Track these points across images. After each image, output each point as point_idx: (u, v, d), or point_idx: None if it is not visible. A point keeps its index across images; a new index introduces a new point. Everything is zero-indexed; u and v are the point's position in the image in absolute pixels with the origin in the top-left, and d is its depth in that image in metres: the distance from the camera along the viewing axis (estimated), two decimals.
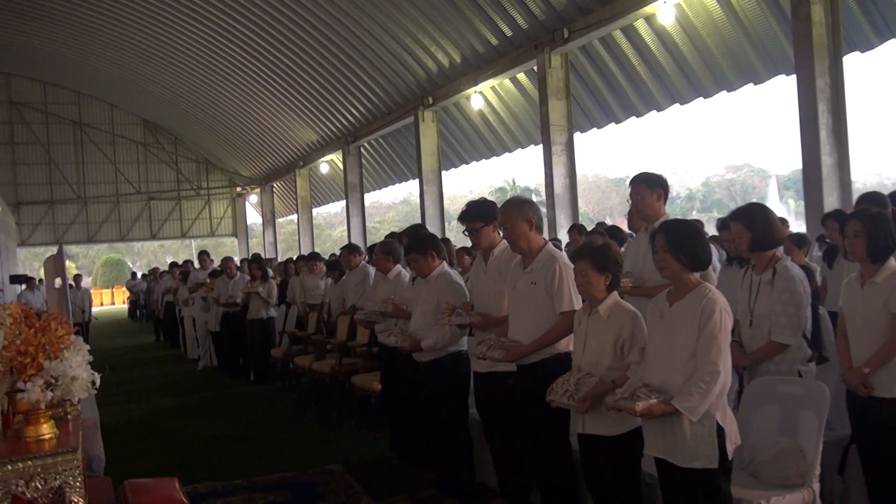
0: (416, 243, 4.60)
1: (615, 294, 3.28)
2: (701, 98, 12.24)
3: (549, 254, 3.71)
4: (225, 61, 19.50)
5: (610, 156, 74.78)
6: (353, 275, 8.03)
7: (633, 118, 13.58)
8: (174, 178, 28.95)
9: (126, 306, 29.34)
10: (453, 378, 4.48)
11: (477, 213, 4.17)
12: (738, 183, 58.83)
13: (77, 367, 2.50)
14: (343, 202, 26.01)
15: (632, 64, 12.44)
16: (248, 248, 30.58)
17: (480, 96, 15.07)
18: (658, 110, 13.05)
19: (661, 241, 2.90)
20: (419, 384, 4.66)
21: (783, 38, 10.24)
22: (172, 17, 17.84)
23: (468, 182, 63.02)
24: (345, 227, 59.28)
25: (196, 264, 12.86)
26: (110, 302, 38.14)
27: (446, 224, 17.37)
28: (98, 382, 2.55)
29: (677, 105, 12.70)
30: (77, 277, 16.53)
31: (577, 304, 3.58)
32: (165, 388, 10.07)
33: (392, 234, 7.05)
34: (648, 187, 4.05)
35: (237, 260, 12.15)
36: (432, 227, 16.54)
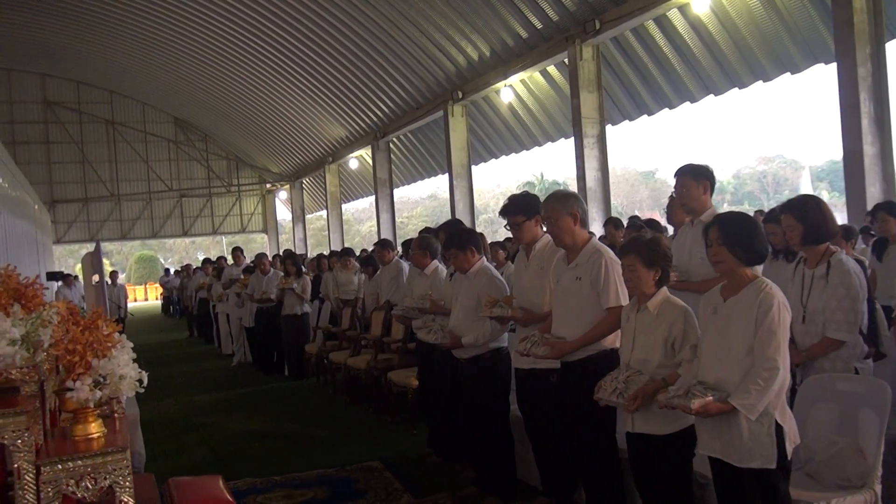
0: (456, 239, 4.54)
1: (665, 289, 3.19)
2: (736, 88, 12.05)
3: (595, 248, 3.64)
4: (254, 58, 19.60)
5: (638, 149, 74.06)
6: (386, 270, 8.00)
7: (666, 110, 13.40)
8: (205, 176, 29.23)
9: (159, 302, 29.69)
10: (494, 374, 4.42)
11: (519, 207, 4.10)
12: (770, 174, 57.97)
13: (125, 365, 2.49)
14: (371, 198, 26.13)
15: (665, 55, 12.27)
16: (279, 245, 30.80)
17: (510, 90, 14.98)
18: (692, 101, 12.87)
19: (715, 234, 2.81)
20: (459, 381, 4.61)
21: (822, 25, 10.02)
22: (203, 16, 17.96)
23: (495, 177, 62.88)
24: (372, 223, 59.55)
25: (229, 260, 12.94)
26: (143, 298, 38.65)
27: (476, 219, 17.29)
28: (145, 381, 2.53)
29: (711, 96, 12.52)
30: (113, 274, 16.75)
31: (624, 299, 3.50)
32: (201, 383, 10.13)
33: (427, 230, 6.99)
34: (694, 179, 3.95)
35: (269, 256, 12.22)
36: (463, 222, 16.48)
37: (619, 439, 3.57)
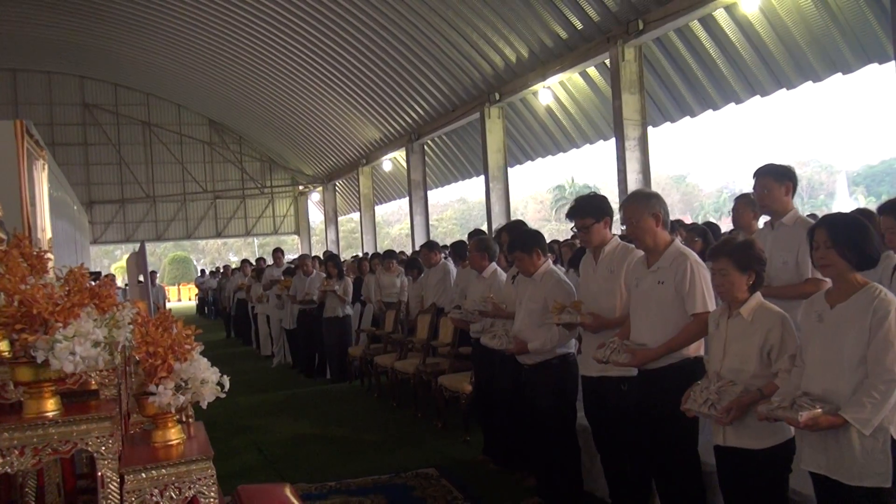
0: (521, 240, 4.39)
1: (758, 295, 3.02)
2: (784, 89, 11.79)
3: (678, 251, 3.47)
4: (289, 60, 19.65)
5: (668, 153, 73.33)
6: (433, 272, 7.90)
7: (710, 111, 13.17)
8: (239, 177, 29.41)
9: (194, 303, 29.91)
10: (561, 381, 4.27)
11: (588, 210, 3.96)
12: (805, 178, 56.97)
13: (205, 368, 2.40)
14: (401, 200, 26.11)
15: (710, 55, 12.05)
16: (310, 246, 30.89)
17: (549, 91, 14.81)
18: (737, 103, 12.64)
19: (823, 236, 2.65)
20: (523, 387, 4.47)
21: (877, 24, 9.74)
22: (238, 19, 18.05)
23: (526, 181, 62.59)
24: (402, 225, 59.70)
25: (268, 261, 12.93)
26: (177, 298, 39.00)
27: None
28: (227, 385, 2.44)
29: (757, 97, 12.29)
30: (152, 274, 16.83)
31: (711, 304, 3.34)
32: (243, 385, 10.09)
33: (476, 231, 6.88)
34: (776, 180, 3.79)
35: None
36: (498, 225, 16.36)
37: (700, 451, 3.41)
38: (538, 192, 63.64)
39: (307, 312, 10.17)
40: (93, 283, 2.76)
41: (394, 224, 59.60)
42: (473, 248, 5.44)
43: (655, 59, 12.72)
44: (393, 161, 22.53)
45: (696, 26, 11.71)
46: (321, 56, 18.63)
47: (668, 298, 3.42)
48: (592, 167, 77.13)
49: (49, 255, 3.04)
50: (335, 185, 27.71)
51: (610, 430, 3.93)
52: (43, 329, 2.15)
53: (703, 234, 5.51)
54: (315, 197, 29.89)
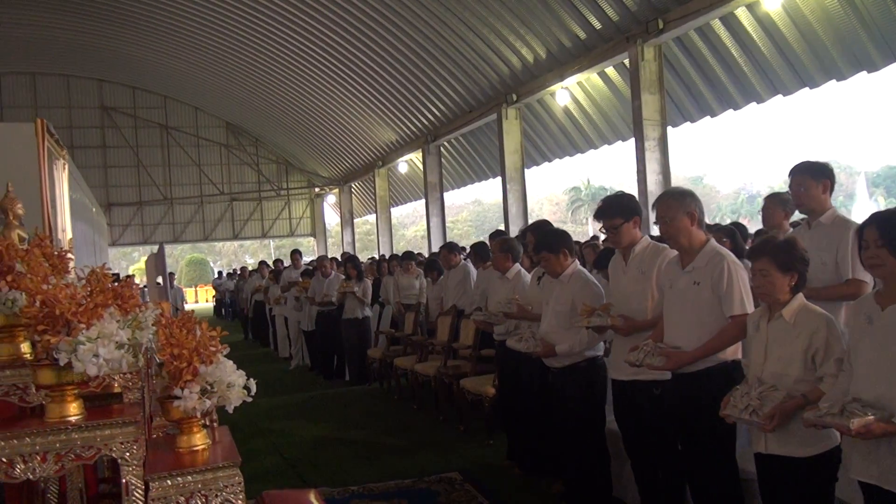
0: (548, 241, 4.29)
1: (801, 296, 2.90)
2: (807, 88, 11.61)
3: (715, 251, 3.35)
4: (305, 62, 19.66)
5: (685, 154, 72.81)
6: (453, 274, 7.81)
7: (731, 111, 13.02)
8: (255, 180, 29.47)
9: (211, 304, 29.96)
10: (589, 385, 4.17)
11: (617, 210, 3.85)
12: None
13: (231, 371, 2.32)
14: (417, 202, 26.05)
15: (731, 54, 11.89)
16: (327, 248, 30.88)
17: (566, 92, 14.70)
18: (758, 102, 12.47)
19: (873, 235, 2.53)
20: (550, 391, 4.36)
21: None
22: (255, 21, 18.07)
23: (541, 182, 62.33)
24: (417, 227, 59.60)
25: (286, 262, 12.88)
26: (194, 300, 39.13)
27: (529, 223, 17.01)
28: (254, 389, 2.36)
29: (779, 96, 12.12)
30: (170, 276, 16.83)
31: (750, 306, 3.22)
32: (261, 387, 9.84)
33: (498, 232, 6.78)
34: (813, 178, 3.67)
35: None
36: (516, 227, 16.26)
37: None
38: (554, 193, 63.44)
39: (326, 314, 10.10)
40: (115, 284, 2.70)
41: (409, 226, 59.62)
42: (497, 249, 5.33)
43: (675, 58, 12.59)
44: (409, 163, 22.48)
45: (717, 25, 11.56)
46: (337, 58, 18.61)
47: (704, 300, 3.30)
48: (608, 168, 76.79)
49: (70, 255, 2.98)
50: (351, 186, 27.71)
51: (641, 436, 3.81)
52: (66, 330, 2.08)
53: (731, 235, 5.37)
54: (331, 199, 29.90)
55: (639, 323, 3.75)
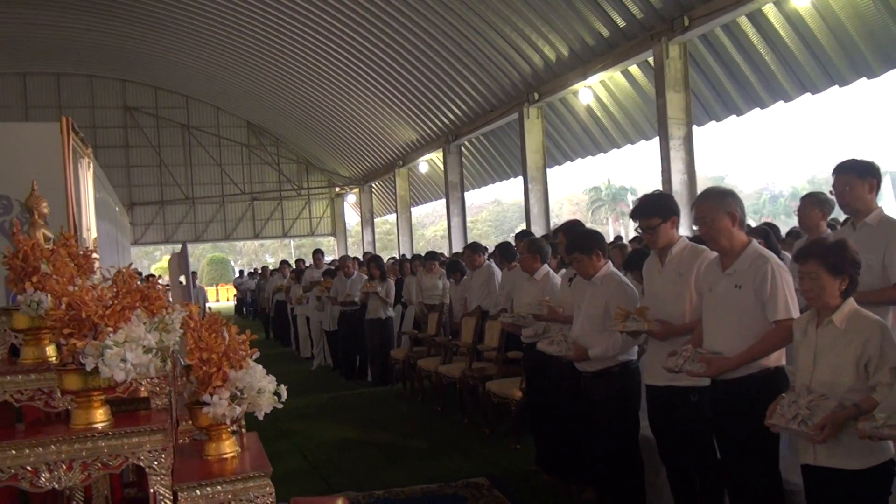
0: (580, 241, 4.17)
1: (852, 301, 2.77)
2: (836, 86, 11.38)
3: (757, 252, 3.22)
4: (326, 62, 19.64)
5: (706, 153, 72.10)
6: (477, 274, 7.70)
7: (757, 109, 12.81)
8: (276, 179, 29.53)
9: (232, 303, 30.06)
10: (623, 390, 4.05)
11: (654, 209, 3.72)
12: None
13: (261, 377, 2.24)
14: (436, 201, 25.97)
15: (758, 51, 11.69)
16: (347, 248, 30.89)
17: (589, 91, 14.54)
18: (786, 101, 12.26)
19: None
20: (582, 395, 4.25)
21: None
22: (275, 20, 18.08)
23: (561, 182, 62.05)
24: (437, 226, 59.55)
25: (308, 262, 12.83)
26: (215, 299, 39.32)
27: (551, 223, 16.87)
28: (284, 395, 2.28)
29: (808, 94, 11.90)
30: (193, 275, 16.85)
31: (795, 311, 3.09)
32: None
33: (525, 233, 6.67)
34: (859, 177, 3.53)
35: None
36: (537, 226, 16.15)
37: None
38: (574, 193, 63.10)
39: (349, 314, 10.03)
40: (141, 284, 2.62)
41: (428, 226, 59.58)
42: (525, 250, 5.22)
43: (700, 55, 12.40)
44: (429, 162, 22.40)
45: (745, 22, 11.37)
46: (358, 57, 18.57)
47: (747, 304, 3.16)
48: (628, 168, 76.25)
49: (95, 255, 2.91)
50: (371, 186, 27.69)
51: (678, 443, 3.69)
52: (92, 334, 2.01)
53: (764, 235, 5.21)
54: (351, 198, 29.91)
55: (676, 327, 3.62)
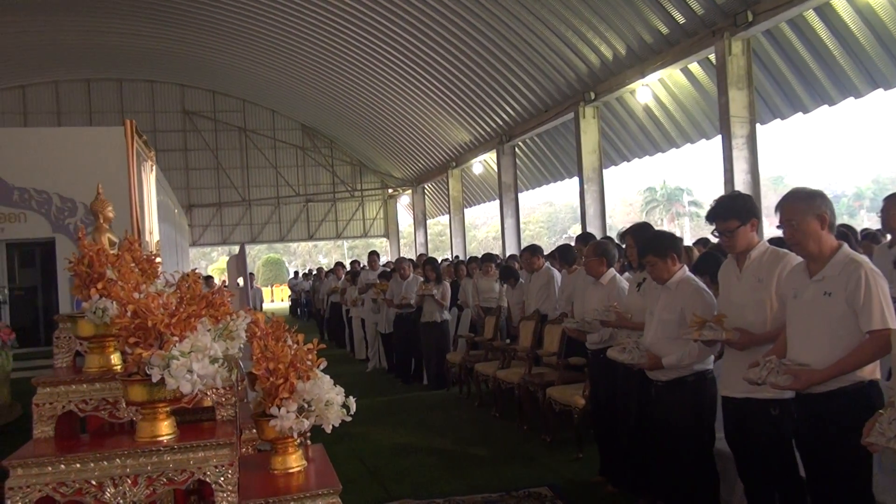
0: (654, 244, 3.98)
1: None
2: None
3: (849, 257, 2.99)
4: (379, 63, 19.68)
5: (763, 153, 70.14)
6: (536, 277, 7.54)
7: (826, 107, 12.35)
8: (330, 181, 29.79)
9: (286, 304, 30.40)
10: (698, 401, 3.84)
11: (732, 211, 3.51)
12: None
13: (329, 388, 2.15)
14: (490, 203, 25.82)
15: (826, 47, 11.26)
16: (399, 249, 30.97)
17: (647, 89, 14.23)
18: (856, 97, 11.79)
19: None
20: (653, 405, 4.06)
21: None
22: (328, 23, 18.19)
23: (614, 183, 61.12)
24: (489, 228, 59.32)
25: (362, 263, 12.82)
26: (270, 300, 39.86)
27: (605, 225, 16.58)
28: (353, 408, 2.19)
29: (881, 90, 11.42)
30: (251, 276, 17.08)
31: (892, 320, 2.86)
32: None
33: (585, 235, 6.49)
34: None
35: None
36: (593, 228, 15.88)
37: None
38: (627, 194, 62.18)
39: (404, 317, 9.95)
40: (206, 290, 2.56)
41: (480, 227, 59.42)
42: (590, 253, 5.03)
43: (764, 51, 12.01)
44: (483, 163, 22.27)
45: (812, 16, 10.96)
46: (410, 58, 18.56)
47: (838, 312, 2.94)
48: (683, 169, 74.84)
49: (158, 260, 2.87)
50: (424, 187, 27.69)
51: (757, 458, 3.48)
52: (158, 343, 1.94)
53: (843, 237, 4.94)
54: (404, 200, 29.98)
55: (756, 336, 3.41)
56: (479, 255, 10.98)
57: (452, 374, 9.08)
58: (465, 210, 25.29)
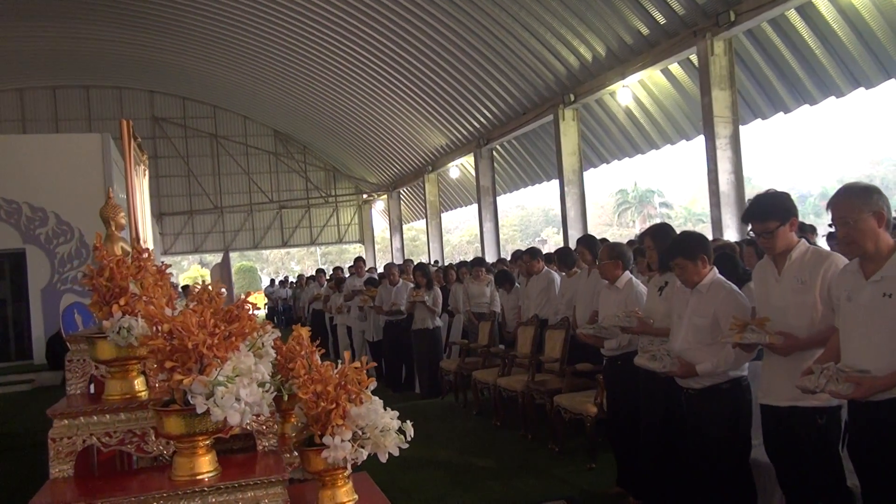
0: (683, 246, 3.78)
1: None
2: (893, 79, 10.95)
3: None
4: (352, 66, 19.41)
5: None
6: (535, 281, 7.35)
7: (806, 106, 12.39)
8: (303, 187, 29.42)
9: (263, 312, 29.89)
10: (734, 409, 3.66)
11: (772, 211, 3.33)
12: (878, 178, 54.69)
13: (383, 413, 1.92)
14: (463, 207, 25.67)
15: (808, 46, 11.29)
16: (375, 255, 30.67)
17: (628, 91, 14.17)
18: (837, 96, 11.85)
19: None
20: (683, 414, 3.87)
21: None
22: (299, 26, 17.92)
23: (585, 186, 61.25)
24: (462, 232, 59.04)
25: (330, 269, 12.51)
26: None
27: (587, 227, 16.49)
28: (411, 433, 1.96)
29: (862, 89, 11.48)
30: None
31: None
32: None
33: (587, 237, 6.31)
34: None
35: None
36: (574, 230, 15.80)
37: None
38: (598, 197, 62.46)
39: (394, 324, 9.69)
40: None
41: (452, 231, 59.27)
42: (605, 256, 4.83)
43: (745, 51, 12.01)
44: (460, 167, 22.09)
45: (794, 15, 10.97)
46: (385, 60, 18.31)
47: None
48: (655, 170, 75.50)
49: (170, 271, 2.61)
50: (399, 192, 27.45)
51: (802, 469, 3.31)
52: (198, 367, 1.68)
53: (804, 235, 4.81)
54: (379, 205, 29.69)
55: (801, 341, 3.24)
56: (462, 261, 10.76)
57: (447, 381, 8.84)
58: (441, 214, 25.11)
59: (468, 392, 8.24)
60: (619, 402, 4.79)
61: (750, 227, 3.42)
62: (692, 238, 3.90)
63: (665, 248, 4.00)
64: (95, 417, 1.92)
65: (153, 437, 1.91)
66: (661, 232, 4.41)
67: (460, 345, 8.72)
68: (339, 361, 2.05)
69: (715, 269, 3.81)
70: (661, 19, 12.07)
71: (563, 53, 14.48)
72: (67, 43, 21.05)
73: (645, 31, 12.54)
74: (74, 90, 25.71)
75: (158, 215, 26.63)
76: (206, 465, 1.75)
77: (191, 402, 1.62)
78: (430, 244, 24.27)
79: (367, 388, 1.96)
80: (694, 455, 3.82)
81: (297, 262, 57.22)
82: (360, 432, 1.85)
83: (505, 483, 5.41)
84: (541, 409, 6.31)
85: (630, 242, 6.78)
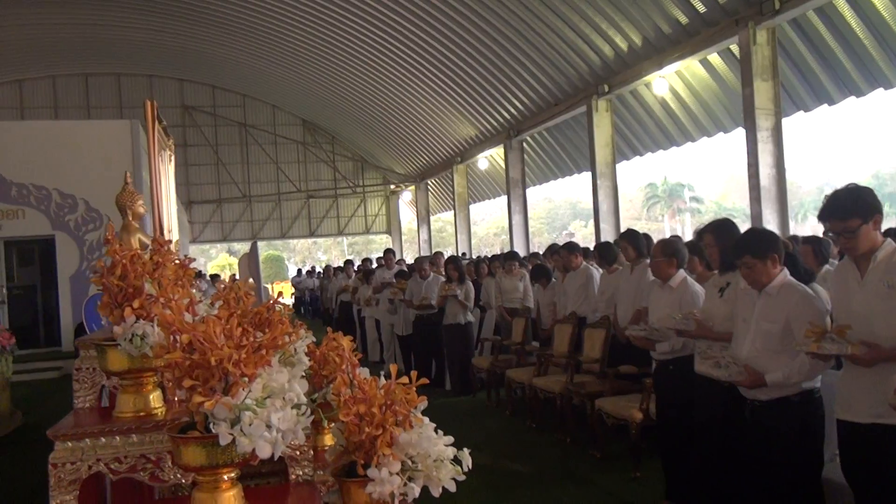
0: (752, 243, 3.45)
1: None
2: None
3: None
4: (382, 57, 19.17)
5: None
6: (573, 277, 7.04)
7: (853, 98, 11.91)
8: (331, 177, 29.28)
9: (290, 302, 29.87)
10: (805, 423, 3.35)
11: (854, 208, 3.00)
12: None
13: (436, 438, 1.65)
14: (491, 199, 25.35)
15: (855, 35, 10.81)
16: (402, 246, 30.48)
17: (664, 81, 13.75)
18: (886, 88, 11.34)
19: None
20: (747, 427, 3.55)
21: None
22: (329, 16, 17.69)
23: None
24: (489, 224, 58.77)
25: (359, 260, 12.26)
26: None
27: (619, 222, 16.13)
28: (469, 463, 1.69)
29: None
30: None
31: None
32: None
33: (630, 232, 5.98)
34: None
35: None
36: (605, 224, 15.47)
37: None
38: (627, 190, 61.73)
39: (425, 318, 9.39)
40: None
41: (479, 223, 58.97)
42: (659, 253, 4.50)
43: (789, 41, 11.55)
44: (489, 158, 21.77)
45: (841, 3, 10.51)
46: (415, 49, 18.04)
47: None
48: (685, 164, 74.48)
49: (193, 266, 2.35)
50: (427, 183, 27.20)
51: (884, 492, 2.99)
52: (222, 386, 1.41)
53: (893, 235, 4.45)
54: (406, 196, 29.48)
55: (887, 351, 2.92)
56: (494, 254, 10.46)
57: (478, 379, 8.56)
58: (469, 206, 24.82)
59: (501, 390, 7.96)
60: (671, 409, 4.47)
61: (827, 227, 3.09)
62: (762, 235, 3.56)
63: (729, 246, 3.68)
64: (103, 440, 1.67)
65: (170, 464, 1.66)
66: (723, 228, 4.06)
67: (492, 341, 8.43)
68: (372, 361, 1.77)
69: (786, 270, 3.48)
70: (701, 8, 11.67)
71: (597, 43, 14.11)
72: (99, 31, 21.06)
73: (684, 20, 12.14)
74: (106, 78, 25.77)
75: (187, 203, 26.66)
76: (230, 503, 1.50)
77: (212, 430, 1.36)
78: (458, 236, 23.99)
79: (416, 407, 1.68)
80: (757, 471, 3.51)
81: (323, 251, 57.27)
82: (409, 461, 1.58)
83: (544, 492, 5.12)
84: (579, 412, 6.00)
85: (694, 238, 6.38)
